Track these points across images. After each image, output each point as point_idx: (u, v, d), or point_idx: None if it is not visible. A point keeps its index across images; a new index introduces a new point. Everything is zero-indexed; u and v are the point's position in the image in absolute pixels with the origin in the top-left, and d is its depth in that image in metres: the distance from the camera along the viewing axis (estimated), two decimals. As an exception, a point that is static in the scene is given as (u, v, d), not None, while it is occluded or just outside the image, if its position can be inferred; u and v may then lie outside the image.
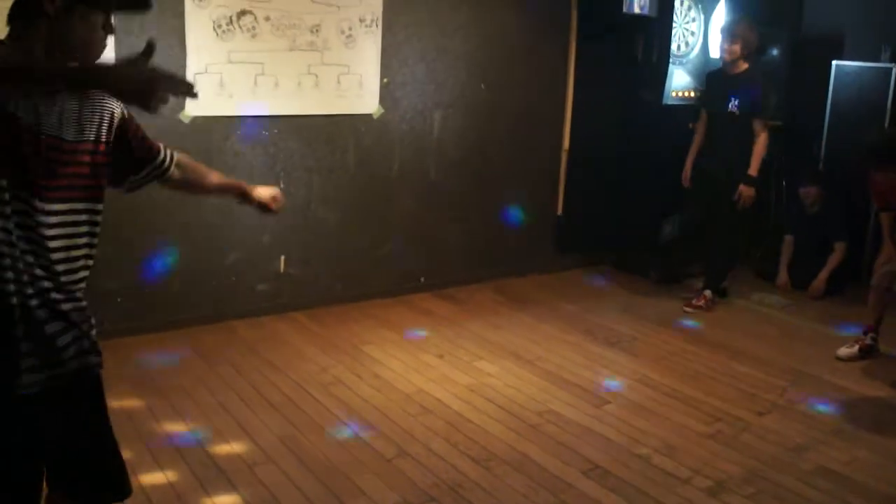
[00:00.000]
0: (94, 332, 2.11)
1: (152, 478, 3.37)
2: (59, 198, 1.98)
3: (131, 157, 2.24)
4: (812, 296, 6.28)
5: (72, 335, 2.02)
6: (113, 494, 2.25)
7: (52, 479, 2.18)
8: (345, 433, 3.85)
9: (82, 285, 2.09)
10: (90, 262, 2.11)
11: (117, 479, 2.23)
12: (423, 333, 5.20)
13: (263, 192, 2.62)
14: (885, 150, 4.57)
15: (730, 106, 5.62)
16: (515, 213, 6.24)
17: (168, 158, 2.35)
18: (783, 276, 6.48)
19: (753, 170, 5.64)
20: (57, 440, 2.08)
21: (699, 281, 6.09)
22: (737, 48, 5.57)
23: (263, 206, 2.62)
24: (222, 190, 2.63)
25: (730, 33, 5.60)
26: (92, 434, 2.16)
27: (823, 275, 6.29)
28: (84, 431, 2.14)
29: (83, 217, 2.06)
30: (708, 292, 5.93)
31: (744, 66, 5.66)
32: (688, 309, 5.85)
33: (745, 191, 5.63)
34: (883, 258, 5.03)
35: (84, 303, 2.09)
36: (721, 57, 5.74)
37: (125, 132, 2.18)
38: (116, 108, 2.15)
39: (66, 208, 2.01)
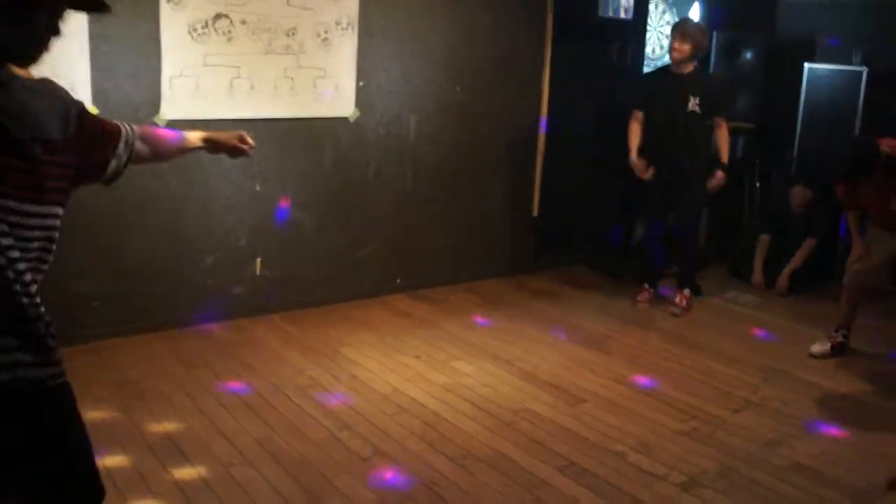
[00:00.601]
0: (42, 341, 1.98)
1: (130, 481, 3.36)
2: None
3: (101, 145, 2.14)
4: (777, 292, 6.37)
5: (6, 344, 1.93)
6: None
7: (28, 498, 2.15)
8: (321, 434, 3.86)
9: (22, 290, 1.94)
10: (41, 266, 1.98)
11: (85, 490, 2.18)
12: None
13: (228, 136, 2.57)
14: (849, 166, 4.63)
15: (690, 105, 5.65)
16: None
17: (130, 133, 2.26)
18: (758, 275, 6.54)
19: (726, 157, 5.78)
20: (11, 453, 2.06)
21: (672, 281, 6.16)
22: (687, 48, 5.58)
23: (235, 151, 2.58)
24: (190, 149, 2.55)
25: (682, 33, 5.60)
26: (49, 449, 2.06)
27: (787, 270, 6.38)
28: (40, 447, 2.04)
29: (33, 221, 1.92)
30: (686, 290, 5.98)
31: (692, 65, 5.71)
32: (675, 311, 5.87)
33: (723, 177, 5.74)
34: (853, 256, 5.10)
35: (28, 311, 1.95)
36: (670, 56, 5.72)
37: (85, 125, 2.07)
38: (70, 101, 2.03)
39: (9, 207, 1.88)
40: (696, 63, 5.75)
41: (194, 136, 2.53)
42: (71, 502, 2.18)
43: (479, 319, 5.57)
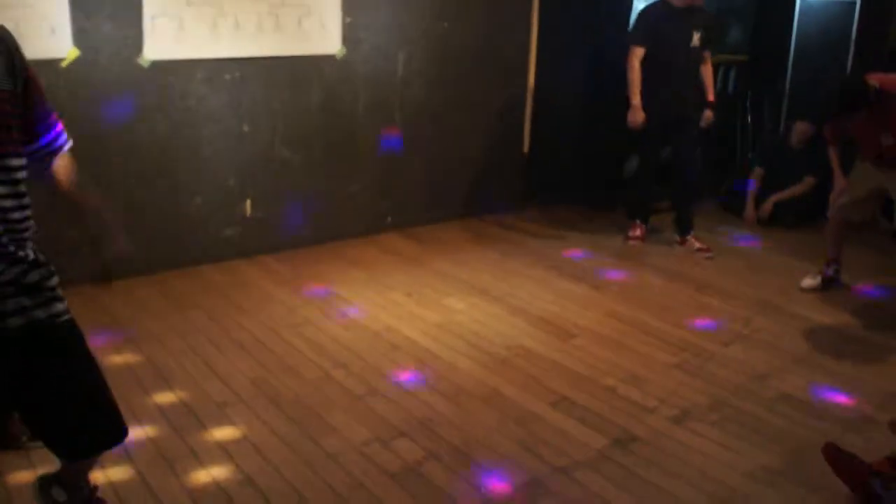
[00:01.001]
0: (38, 285, 2.02)
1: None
2: None
3: (39, 110, 2.05)
4: (759, 216, 6.41)
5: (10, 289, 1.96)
6: (103, 442, 2.24)
7: (46, 441, 2.17)
8: (315, 373, 3.88)
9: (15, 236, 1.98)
10: (21, 218, 1.99)
11: (104, 427, 2.21)
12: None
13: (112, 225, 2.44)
14: (838, 101, 4.58)
15: (694, 40, 5.56)
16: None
17: (64, 138, 2.15)
18: (750, 209, 6.53)
19: (712, 94, 5.77)
20: (26, 394, 2.06)
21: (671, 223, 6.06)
22: None
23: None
24: (85, 201, 2.39)
25: None
26: (66, 386, 2.10)
27: (774, 198, 6.39)
28: (56, 384, 2.08)
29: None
30: (693, 232, 5.92)
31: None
32: (710, 255, 5.73)
33: (711, 116, 5.74)
34: (836, 192, 5.09)
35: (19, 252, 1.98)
36: None
37: (30, 88, 2.00)
38: (18, 54, 1.96)
39: None
40: None
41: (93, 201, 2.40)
42: (91, 441, 2.21)
43: (469, 256, 5.56)
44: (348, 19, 5.40)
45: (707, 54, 5.71)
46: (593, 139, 6.65)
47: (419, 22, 5.77)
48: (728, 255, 5.82)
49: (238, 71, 5.07)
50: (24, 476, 2.93)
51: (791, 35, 6.78)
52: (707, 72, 5.75)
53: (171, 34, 4.77)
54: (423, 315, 4.58)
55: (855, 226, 5.15)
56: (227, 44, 4.97)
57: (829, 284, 5.17)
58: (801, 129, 6.46)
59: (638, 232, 6.03)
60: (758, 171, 6.58)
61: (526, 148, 6.63)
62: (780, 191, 6.44)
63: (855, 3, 6.42)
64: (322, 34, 5.34)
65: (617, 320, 4.61)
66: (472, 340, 4.28)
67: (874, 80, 4.47)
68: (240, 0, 4.95)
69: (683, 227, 5.93)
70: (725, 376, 3.97)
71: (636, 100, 5.59)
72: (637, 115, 5.60)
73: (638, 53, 5.59)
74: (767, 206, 6.41)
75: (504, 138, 6.49)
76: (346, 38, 5.44)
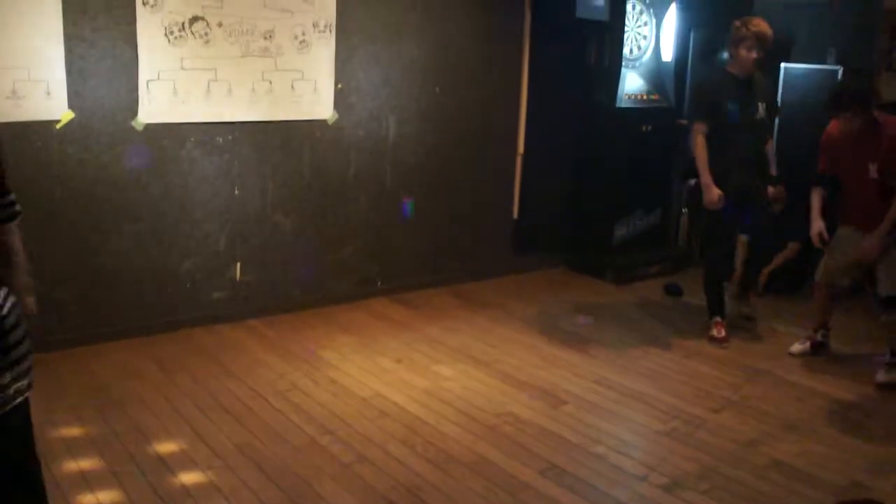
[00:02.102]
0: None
1: (106, 486, 3.33)
2: None
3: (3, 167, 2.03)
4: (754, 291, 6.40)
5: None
6: None
7: None
8: (303, 439, 3.84)
9: None
10: None
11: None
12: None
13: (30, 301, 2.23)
14: (840, 95, 4.70)
15: (759, 113, 5.22)
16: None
17: (17, 205, 2.10)
18: (739, 276, 6.54)
19: (775, 168, 5.44)
20: None
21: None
22: (761, 52, 5.15)
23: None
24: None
25: (770, 41, 5.13)
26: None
27: (766, 270, 6.40)
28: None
29: None
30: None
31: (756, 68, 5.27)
32: (726, 345, 5.30)
33: (783, 190, 5.42)
34: (813, 231, 4.99)
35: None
36: (743, 64, 5.17)
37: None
38: None
39: None
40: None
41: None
42: None
43: (459, 322, 5.55)
44: (340, 85, 5.47)
45: (770, 126, 5.39)
46: (582, 204, 6.70)
47: (411, 88, 5.84)
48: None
49: (231, 135, 5.11)
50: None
51: (776, 103, 6.87)
52: (770, 145, 5.43)
53: (165, 98, 4.82)
54: (412, 381, 4.56)
55: (844, 291, 5.17)
56: (220, 108, 5.02)
57: (818, 350, 5.18)
58: (777, 192, 6.49)
59: (723, 332, 5.37)
60: (742, 240, 6.61)
61: (516, 213, 6.66)
62: (765, 257, 6.46)
63: (837, 72, 6.53)
64: (314, 99, 5.41)
65: (606, 387, 4.60)
66: (461, 407, 4.25)
67: (876, 112, 4.64)
68: (233, 65, 5.01)
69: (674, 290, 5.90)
70: (716, 444, 3.95)
71: (706, 178, 5.15)
72: (712, 194, 5.14)
73: (701, 130, 5.19)
74: (761, 279, 6.41)
75: (494, 203, 6.53)
76: (338, 104, 5.50)
